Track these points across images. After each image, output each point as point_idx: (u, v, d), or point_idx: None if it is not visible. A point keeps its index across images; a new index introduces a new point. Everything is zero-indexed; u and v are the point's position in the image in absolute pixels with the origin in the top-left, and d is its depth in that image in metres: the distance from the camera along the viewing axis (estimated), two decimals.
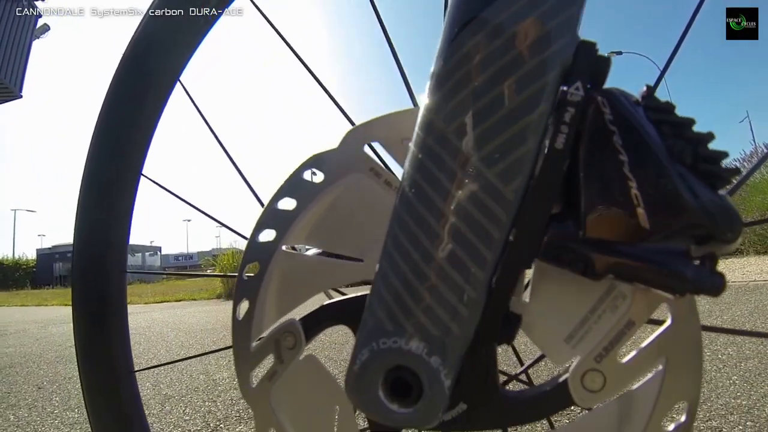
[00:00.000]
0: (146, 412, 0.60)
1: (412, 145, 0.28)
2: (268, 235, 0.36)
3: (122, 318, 0.53)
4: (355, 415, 0.34)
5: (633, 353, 0.28)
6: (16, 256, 35.65)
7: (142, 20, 0.46)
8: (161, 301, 8.37)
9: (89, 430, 1.49)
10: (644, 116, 0.24)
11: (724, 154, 0.24)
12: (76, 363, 2.11)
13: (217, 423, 1.53)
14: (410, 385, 0.27)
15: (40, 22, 6.91)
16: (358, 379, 0.29)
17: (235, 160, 0.53)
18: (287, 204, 0.36)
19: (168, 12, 0.44)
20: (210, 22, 0.46)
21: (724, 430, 1.16)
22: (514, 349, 0.57)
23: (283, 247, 0.36)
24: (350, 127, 0.34)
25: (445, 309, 0.27)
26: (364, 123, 0.34)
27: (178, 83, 0.49)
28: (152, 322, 4.83)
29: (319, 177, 0.35)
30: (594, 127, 0.25)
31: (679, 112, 0.25)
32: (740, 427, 1.17)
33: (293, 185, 0.35)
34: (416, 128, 0.28)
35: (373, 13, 0.45)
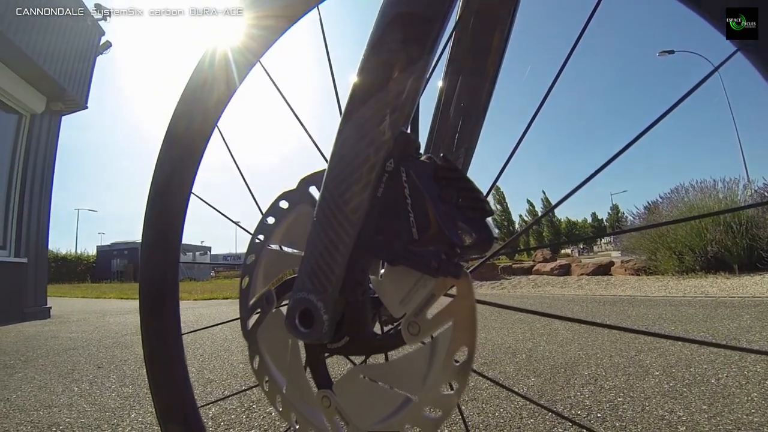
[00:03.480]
0: None
1: (321, 191, 0.46)
2: (260, 237, 0.56)
3: (175, 295, 0.68)
4: (298, 344, 0.51)
5: (435, 313, 0.42)
6: (78, 252, 38.17)
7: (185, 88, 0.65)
8: (209, 298, 8.77)
9: (140, 403, 1.69)
10: (429, 175, 0.41)
11: (482, 198, 0.40)
12: (130, 348, 2.37)
13: (251, 404, 1.69)
14: (309, 317, 0.45)
15: (103, 39, 7.49)
16: (289, 314, 0.47)
17: (249, 186, 0.72)
18: (270, 220, 0.55)
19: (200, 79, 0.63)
20: (237, 83, 0.62)
21: None
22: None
23: (268, 246, 0.55)
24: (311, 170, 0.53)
25: (326, 277, 0.44)
26: (308, 175, 0.53)
27: (216, 129, 0.67)
28: (200, 317, 5.14)
29: (286, 205, 0.54)
30: (396, 184, 0.42)
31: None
32: None
33: (273, 209, 0.55)
34: (323, 182, 0.46)
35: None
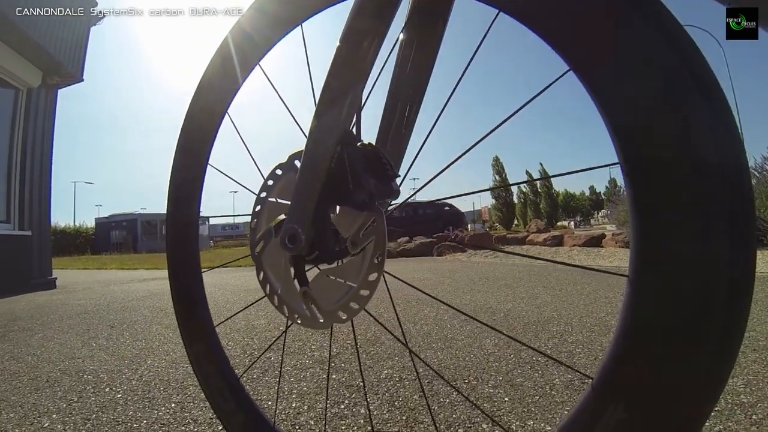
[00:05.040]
0: None
1: (301, 162, 0.65)
2: (263, 194, 0.75)
3: (194, 247, 0.89)
4: (288, 261, 0.71)
5: (364, 233, 0.65)
6: (77, 225, 38.21)
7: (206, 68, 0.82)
8: (209, 268, 8.90)
9: (155, 353, 1.91)
10: (359, 155, 0.61)
11: (389, 167, 0.61)
12: (138, 311, 2.60)
13: (252, 352, 1.90)
14: (294, 239, 0.65)
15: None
16: (281, 238, 0.66)
17: (252, 155, 0.90)
18: (270, 182, 0.75)
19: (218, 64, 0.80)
20: (248, 69, 0.79)
21: None
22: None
23: (269, 199, 0.74)
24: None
25: (303, 213, 0.64)
26: (293, 153, 0.71)
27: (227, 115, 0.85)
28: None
29: (280, 171, 0.73)
30: (341, 160, 0.62)
31: None
32: None
33: (272, 174, 0.74)
34: (302, 156, 0.65)
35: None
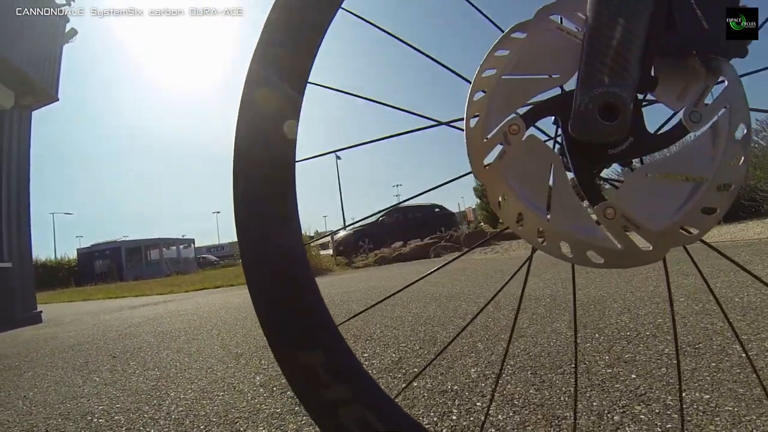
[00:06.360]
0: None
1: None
2: (490, 71, 0.52)
3: (293, 198, 0.57)
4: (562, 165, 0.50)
5: (709, 101, 0.46)
6: (58, 257, 37.01)
7: None
8: (200, 289, 8.65)
9: (175, 382, 1.63)
10: None
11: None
12: (140, 337, 2.27)
13: None
14: (613, 111, 0.46)
15: (68, 27, 7.09)
16: (580, 115, 0.47)
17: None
18: (502, 51, 0.52)
19: None
20: None
21: None
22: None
23: (503, 77, 0.51)
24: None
25: (625, 71, 0.46)
26: (548, 5, 0.52)
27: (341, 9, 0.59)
28: (198, 305, 5.03)
29: (522, 35, 0.52)
30: None
31: None
32: None
33: (504, 41, 0.52)
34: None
35: None
